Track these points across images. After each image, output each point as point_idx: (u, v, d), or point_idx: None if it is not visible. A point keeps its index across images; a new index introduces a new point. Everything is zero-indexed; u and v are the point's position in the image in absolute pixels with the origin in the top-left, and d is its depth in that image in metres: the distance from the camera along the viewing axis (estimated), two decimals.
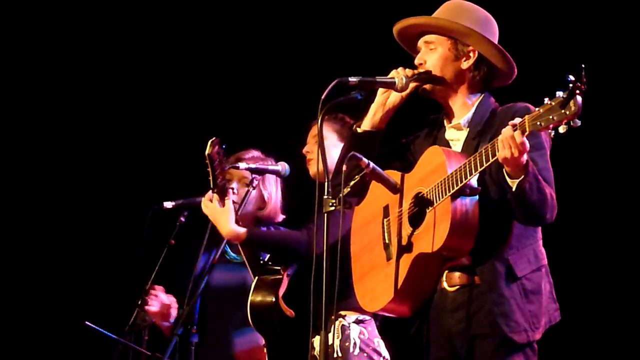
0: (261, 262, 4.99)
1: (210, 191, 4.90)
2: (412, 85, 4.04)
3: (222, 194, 4.90)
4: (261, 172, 5.18)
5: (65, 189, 7.24)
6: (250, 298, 4.92)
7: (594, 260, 6.23)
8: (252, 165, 5.15)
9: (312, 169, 5.05)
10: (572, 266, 5.95)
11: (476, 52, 4.02)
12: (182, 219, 5.26)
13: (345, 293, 4.52)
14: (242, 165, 5.13)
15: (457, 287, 3.89)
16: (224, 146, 4.87)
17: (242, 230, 4.89)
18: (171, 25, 7.19)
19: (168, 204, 5.23)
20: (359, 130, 4.14)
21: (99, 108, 7.25)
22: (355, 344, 4.78)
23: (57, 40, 7.22)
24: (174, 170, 6.94)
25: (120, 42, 7.21)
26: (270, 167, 5.20)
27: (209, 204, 4.90)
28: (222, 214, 4.88)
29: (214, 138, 4.82)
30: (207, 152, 4.78)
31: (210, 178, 4.85)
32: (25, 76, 7.23)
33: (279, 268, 4.97)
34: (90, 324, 5.09)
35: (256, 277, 4.95)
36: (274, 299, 4.88)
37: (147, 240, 5.15)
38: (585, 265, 6.20)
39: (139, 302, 5.08)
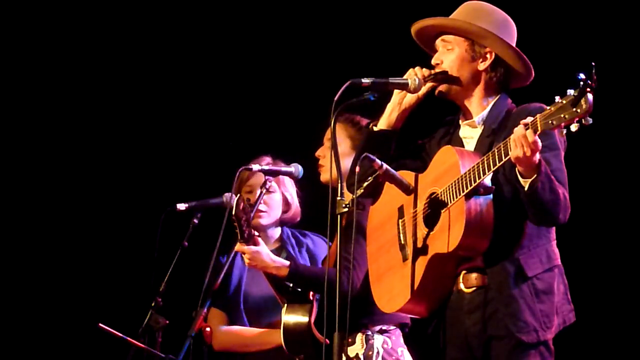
0: (289, 289, 4.99)
1: (239, 243, 4.89)
2: (428, 85, 4.05)
3: (249, 243, 4.92)
4: (274, 173, 5.19)
5: (78, 192, 7.24)
6: (283, 322, 4.91)
7: (609, 262, 6.21)
8: (265, 167, 5.16)
9: (323, 175, 5.04)
10: (587, 267, 5.93)
11: (493, 54, 4.02)
12: (195, 221, 5.25)
13: (369, 310, 4.53)
14: (256, 167, 5.13)
15: (474, 288, 3.89)
16: (249, 200, 4.90)
17: (286, 263, 4.87)
18: (185, 27, 7.20)
19: (181, 206, 5.22)
20: (375, 128, 4.15)
21: (113, 111, 7.26)
22: (378, 353, 4.77)
23: (72, 43, 7.24)
24: (187, 172, 6.95)
25: (137, 45, 7.22)
26: (284, 169, 5.21)
27: (243, 248, 4.88)
28: (259, 253, 4.86)
29: (238, 196, 4.83)
30: (233, 213, 4.78)
31: (238, 232, 4.85)
32: (39, 77, 7.25)
33: (307, 294, 4.96)
34: (103, 326, 5.10)
35: (285, 304, 4.96)
36: (307, 322, 4.87)
37: (161, 242, 5.16)
38: (600, 267, 6.18)
39: (153, 304, 5.08)
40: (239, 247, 4.89)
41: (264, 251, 4.88)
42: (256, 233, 4.92)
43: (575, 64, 3.50)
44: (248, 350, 5.30)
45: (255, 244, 4.89)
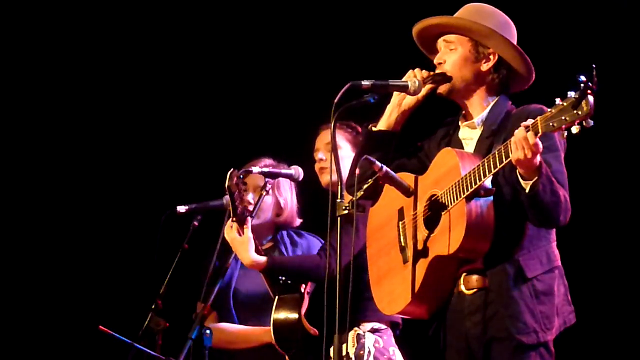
0: (281, 281, 5.00)
1: (231, 220, 4.93)
2: (427, 87, 4.05)
3: (242, 223, 4.93)
4: (274, 176, 5.18)
5: (79, 194, 7.25)
6: (273, 317, 4.93)
7: (610, 263, 6.21)
8: (266, 170, 5.15)
9: (325, 179, 5.05)
10: (588, 269, 5.93)
11: (496, 55, 4.03)
12: (196, 223, 5.25)
13: (362, 306, 4.53)
14: (256, 169, 5.12)
15: (475, 290, 3.89)
16: (242, 176, 4.90)
17: (263, 259, 4.91)
18: (185, 31, 7.20)
19: (182, 209, 5.22)
20: (374, 129, 4.14)
21: (114, 114, 7.27)
22: (370, 352, 4.77)
23: (72, 46, 7.25)
24: (188, 174, 6.95)
25: (138, 49, 7.22)
26: (284, 172, 5.20)
27: (230, 233, 4.92)
28: (243, 244, 4.90)
29: (232, 170, 4.85)
30: (226, 185, 4.81)
31: (230, 208, 4.88)
32: (40, 80, 7.25)
33: (298, 286, 4.97)
34: (104, 328, 5.10)
35: (277, 297, 4.97)
36: (297, 317, 4.88)
37: (161, 244, 5.16)
38: (600, 268, 6.18)
39: (153, 307, 5.08)
40: (228, 225, 4.92)
41: (246, 245, 4.89)
42: (249, 198, 4.94)
43: (576, 66, 3.50)
44: (233, 347, 5.30)
45: (243, 223, 4.90)
